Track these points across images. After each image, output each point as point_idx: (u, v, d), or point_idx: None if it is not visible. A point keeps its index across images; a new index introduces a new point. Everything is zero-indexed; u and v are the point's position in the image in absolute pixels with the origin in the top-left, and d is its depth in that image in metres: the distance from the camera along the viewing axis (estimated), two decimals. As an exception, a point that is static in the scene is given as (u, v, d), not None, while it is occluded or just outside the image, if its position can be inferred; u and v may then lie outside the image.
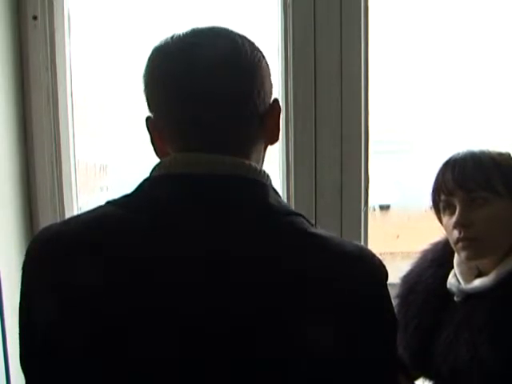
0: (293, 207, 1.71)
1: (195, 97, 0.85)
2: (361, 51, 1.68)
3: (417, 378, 1.39)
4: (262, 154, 0.93)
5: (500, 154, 1.23)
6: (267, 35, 1.73)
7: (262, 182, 0.86)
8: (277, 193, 0.87)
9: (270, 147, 0.95)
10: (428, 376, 1.34)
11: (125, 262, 0.80)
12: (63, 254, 0.82)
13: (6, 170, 1.64)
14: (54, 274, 0.82)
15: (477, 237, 1.19)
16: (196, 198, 0.82)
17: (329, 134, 1.70)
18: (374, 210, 1.91)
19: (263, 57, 0.91)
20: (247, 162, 0.86)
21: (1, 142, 1.62)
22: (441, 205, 1.25)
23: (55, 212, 1.74)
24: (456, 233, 1.21)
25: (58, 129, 1.72)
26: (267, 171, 0.89)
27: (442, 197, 1.24)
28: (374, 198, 1.82)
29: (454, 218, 1.20)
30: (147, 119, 0.91)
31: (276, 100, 0.92)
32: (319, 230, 0.86)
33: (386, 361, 0.86)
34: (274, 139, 0.93)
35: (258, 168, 0.87)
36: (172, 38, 0.88)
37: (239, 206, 0.83)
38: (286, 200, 1.73)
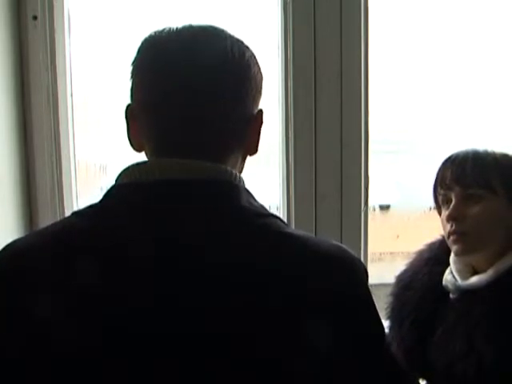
0: (293, 208, 1.72)
1: (185, 95, 0.83)
2: (361, 51, 1.68)
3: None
4: (240, 164, 0.91)
5: (504, 155, 1.24)
6: (267, 35, 1.73)
7: (233, 184, 0.85)
8: (250, 194, 0.86)
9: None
10: (421, 374, 1.35)
11: (106, 269, 0.79)
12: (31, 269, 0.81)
13: (5, 170, 1.64)
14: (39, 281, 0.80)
15: (467, 232, 1.21)
16: (170, 205, 0.81)
17: (329, 134, 1.70)
18: (374, 210, 1.91)
19: (258, 65, 0.89)
20: (219, 165, 0.84)
21: (1, 141, 1.62)
22: (440, 199, 1.27)
23: (55, 212, 1.74)
24: (448, 226, 1.23)
25: (57, 129, 1.72)
26: (243, 176, 0.87)
27: (441, 191, 1.26)
28: (374, 198, 1.82)
29: (448, 211, 1.22)
30: (128, 106, 0.88)
31: (261, 111, 0.90)
32: (294, 230, 0.85)
33: (375, 359, 0.86)
34: (253, 150, 0.91)
35: (229, 170, 0.85)
36: (168, 31, 0.86)
37: (209, 209, 0.82)
38: (286, 201, 1.73)
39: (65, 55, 1.72)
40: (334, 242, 0.87)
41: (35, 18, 1.67)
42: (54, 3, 1.68)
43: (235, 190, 0.84)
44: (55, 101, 1.71)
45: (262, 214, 0.85)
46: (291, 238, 0.83)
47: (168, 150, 0.85)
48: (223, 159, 0.86)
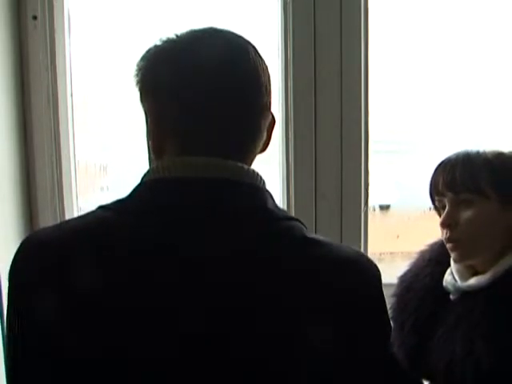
0: (293, 208, 1.73)
1: (211, 94, 0.83)
2: (361, 51, 1.68)
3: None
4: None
5: (498, 155, 1.22)
6: (267, 35, 1.73)
7: (260, 187, 0.86)
8: (272, 197, 0.87)
9: (269, 147, 0.94)
10: (423, 375, 1.35)
11: (123, 264, 0.79)
12: (58, 259, 0.81)
13: (5, 170, 1.64)
14: (54, 277, 0.81)
15: (460, 238, 1.20)
16: (196, 203, 0.81)
17: (329, 134, 1.70)
18: (374, 210, 1.91)
19: (265, 63, 0.89)
20: (246, 166, 0.85)
21: (1, 141, 1.62)
22: (436, 204, 1.27)
23: (55, 212, 1.74)
24: (443, 233, 1.22)
25: (57, 129, 1.72)
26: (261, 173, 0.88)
27: (436, 197, 1.25)
28: (374, 198, 1.82)
29: (441, 219, 1.22)
30: (146, 111, 0.88)
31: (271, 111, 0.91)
32: (316, 236, 0.87)
33: (382, 360, 0.87)
34: (264, 149, 0.92)
35: (256, 172, 0.86)
36: (172, 38, 0.86)
37: (239, 212, 0.82)
38: (286, 201, 1.73)
39: (65, 55, 1.72)
40: (353, 247, 0.90)
41: (35, 17, 1.67)
42: (54, 3, 1.69)
43: (263, 194, 0.85)
44: (55, 101, 1.71)
45: (288, 217, 0.86)
46: (314, 242, 0.84)
47: (193, 149, 0.84)
48: (245, 159, 0.87)
